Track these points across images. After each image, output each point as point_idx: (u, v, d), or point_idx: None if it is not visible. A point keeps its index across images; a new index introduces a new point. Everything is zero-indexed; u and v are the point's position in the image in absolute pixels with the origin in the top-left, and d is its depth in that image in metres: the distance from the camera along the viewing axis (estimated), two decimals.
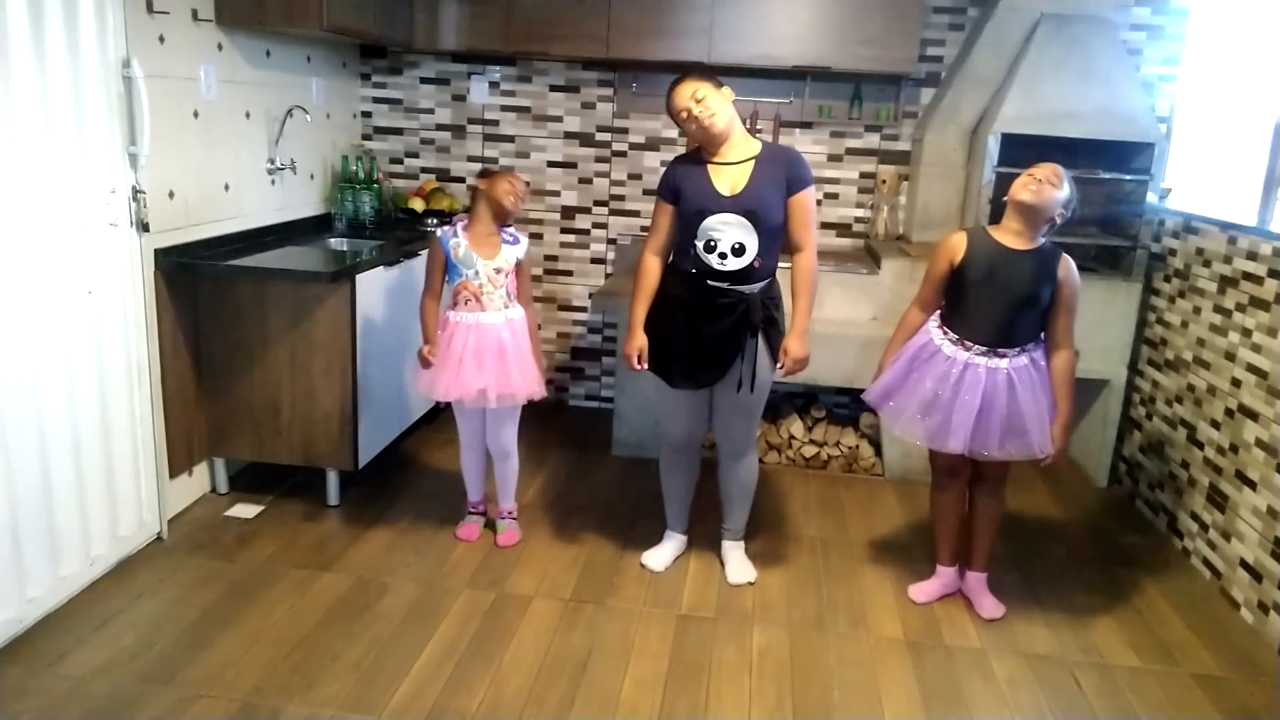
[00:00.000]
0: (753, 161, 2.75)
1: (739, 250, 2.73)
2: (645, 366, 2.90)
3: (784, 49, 3.97)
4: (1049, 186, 2.65)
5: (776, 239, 2.80)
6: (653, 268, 2.89)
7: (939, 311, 2.86)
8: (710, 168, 2.77)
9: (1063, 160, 3.77)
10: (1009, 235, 2.71)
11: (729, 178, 2.75)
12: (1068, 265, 2.71)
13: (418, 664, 2.58)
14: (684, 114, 2.71)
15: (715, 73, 2.80)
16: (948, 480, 2.99)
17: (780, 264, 2.85)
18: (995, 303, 2.70)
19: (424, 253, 3.81)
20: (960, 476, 2.98)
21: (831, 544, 3.43)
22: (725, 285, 2.78)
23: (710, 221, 2.73)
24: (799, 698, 2.53)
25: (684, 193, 2.78)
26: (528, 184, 3.10)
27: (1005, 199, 2.74)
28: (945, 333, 2.79)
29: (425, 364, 3.08)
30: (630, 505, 3.64)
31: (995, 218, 2.84)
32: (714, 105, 2.70)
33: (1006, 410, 2.70)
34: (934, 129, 4.14)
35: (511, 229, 3.09)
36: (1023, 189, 2.66)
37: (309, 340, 3.29)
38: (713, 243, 2.74)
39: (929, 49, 4.25)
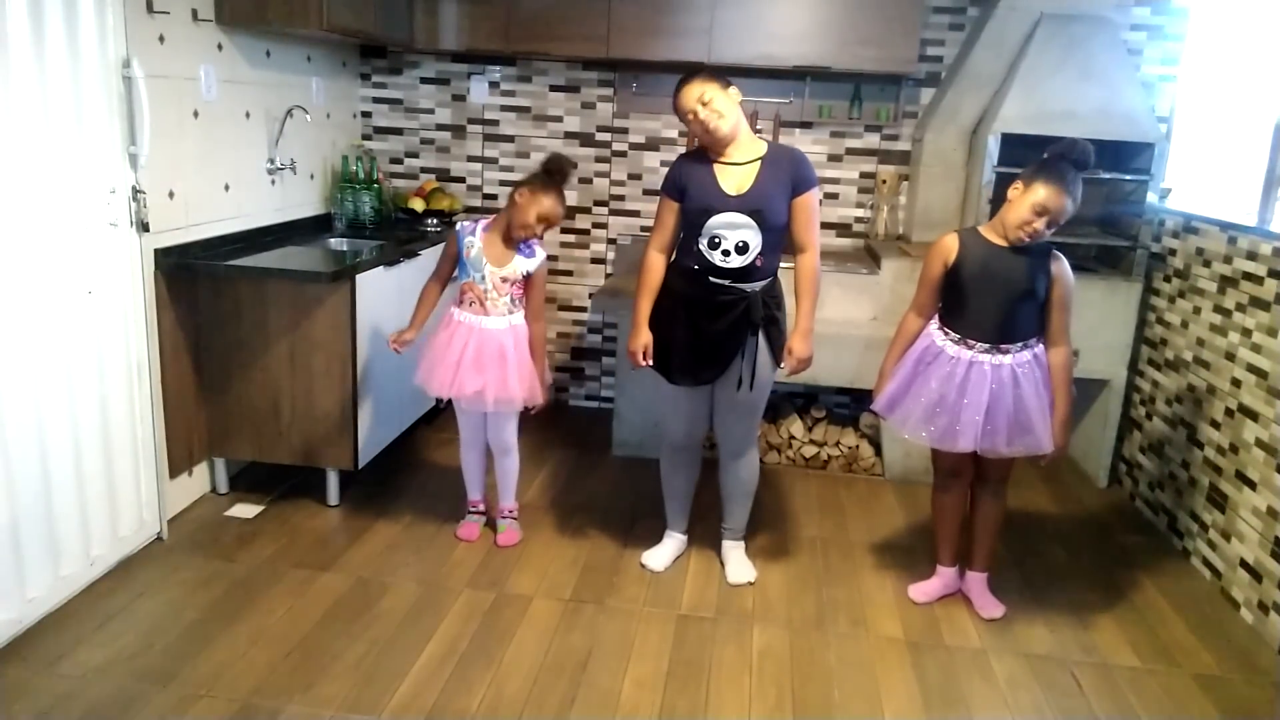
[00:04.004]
0: (759, 162, 2.76)
1: (742, 248, 2.74)
2: (650, 363, 2.91)
3: (784, 49, 3.97)
4: (1046, 225, 2.62)
5: (780, 239, 2.80)
6: (656, 264, 2.89)
7: (938, 313, 2.86)
8: (716, 167, 2.78)
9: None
10: (1001, 236, 2.72)
11: (735, 177, 2.75)
12: (1060, 262, 2.72)
13: (418, 664, 2.58)
14: (690, 115, 2.73)
15: (719, 73, 2.79)
16: (950, 481, 2.99)
17: (782, 264, 2.85)
18: (994, 299, 2.70)
19: (424, 253, 3.82)
20: (963, 477, 2.98)
21: (831, 544, 3.43)
22: (727, 283, 2.78)
23: (715, 220, 2.73)
24: (799, 698, 2.53)
25: (689, 191, 2.78)
26: (567, 213, 3.04)
27: (1012, 201, 2.69)
28: (946, 333, 2.79)
29: (394, 348, 3.08)
30: (630, 505, 3.64)
31: (994, 214, 2.83)
32: (720, 107, 2.70)
33: (1013, 406, 2.71)
34: (934, 129, 4.14)
35: (530, 241, 3.04)
36: (1022, 235, 2.64)
37: (309, 340, 3.29)
38: (717, 239, 2.74)
39: (929, 49, 4.25)
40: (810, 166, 2.80)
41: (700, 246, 2.77)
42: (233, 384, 3.37)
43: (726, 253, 2.75)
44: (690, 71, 2.79)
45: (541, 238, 3.02)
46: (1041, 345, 2.77)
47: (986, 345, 2.72)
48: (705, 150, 2.82)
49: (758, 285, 2.80)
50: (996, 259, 2.70)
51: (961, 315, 2.76)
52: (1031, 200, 2.61)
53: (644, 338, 2.89)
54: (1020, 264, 2.68)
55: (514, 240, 2.99)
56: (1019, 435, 2.73)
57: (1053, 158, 2.65)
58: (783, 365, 2.87)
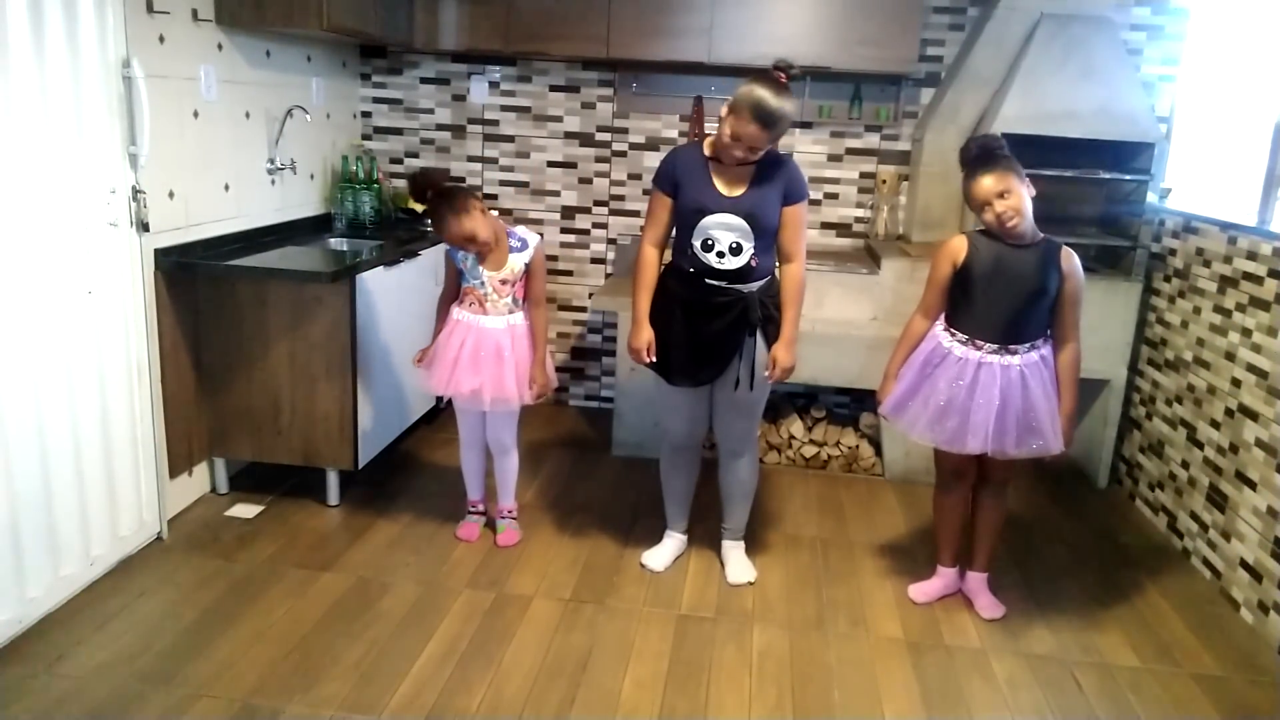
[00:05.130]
0: (754, 165, 2.76)
1: (736, 249, 2.74)
2: (654, 359, 2.90)
3: (784, 49, 3.94)
4: (1015, 199, 2.63)
5: (772, 242, 2.81)
6: (651, 259, 2.90)
7: (943, 315, 2.86)
8: (712, 165, 2.77)
9: (1063, 160, 3.81)
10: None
11: (730, 178, 2.75)
12: (1070, 258, 2.71)
13: (418, 664, 2.58)
14: (739, 136, 2.62)
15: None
16: (954, 483, 2.99)
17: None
18: (1004, 299, 2.70)
19: (424, 252, 3.83)
20: (966, 479, 2.97)
21: (831, 544, 3.43)
22: (723, 284, 2.78)
23: (708, 220, 2.74)
24: (799, 698, 2.53)
25: (684, 188, 2.78)
26: (477, 198, 2.93)
27: (991, 230, 2.72)
28: (953, 334, 2.79)
29: (420, 365, 3.09)
30: (630, 505, 3.64)
31: None
32: (761, 149, 2.67)
33: (1022, 407, 2.71)
34: (934, 129, 4.14)
35: (520, 232, 3.05)
36: (1001, 223, 2.65)
37: (309, 340, 3.29)
38: (710, 241, 2.74)
39: (929, 49, 4.25)
40: (803, 178, 2.81)
41: (694, 249, 2.77)
42: (233, 384, 3.37)
43: (721, 254, 2.75)
44: (776, 79, 2.65)
45: (483, 245, 2.92)
46: (1049, 346, 2.77)
47: (995, 346, 2.72)
48: (701, 146, 2.81)
49: (754, 285, 2.80)
50: (1008, 258, 2.69)
51: (969, 316, 2.76)
52: (978, 209, 2.69)
53: (646, 334, 2.89)
54: (1031, 262, 2.68)
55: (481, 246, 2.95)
56: (1027, 436, 2.73)
57: (967, 168, 2.72)
58: (766, 374, 2.86)
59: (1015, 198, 2.63)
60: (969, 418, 2.72)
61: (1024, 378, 2.71)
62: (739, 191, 2.74)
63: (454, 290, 3.08)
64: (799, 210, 2.80)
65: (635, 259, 2.93)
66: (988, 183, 2.65)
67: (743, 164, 2.72)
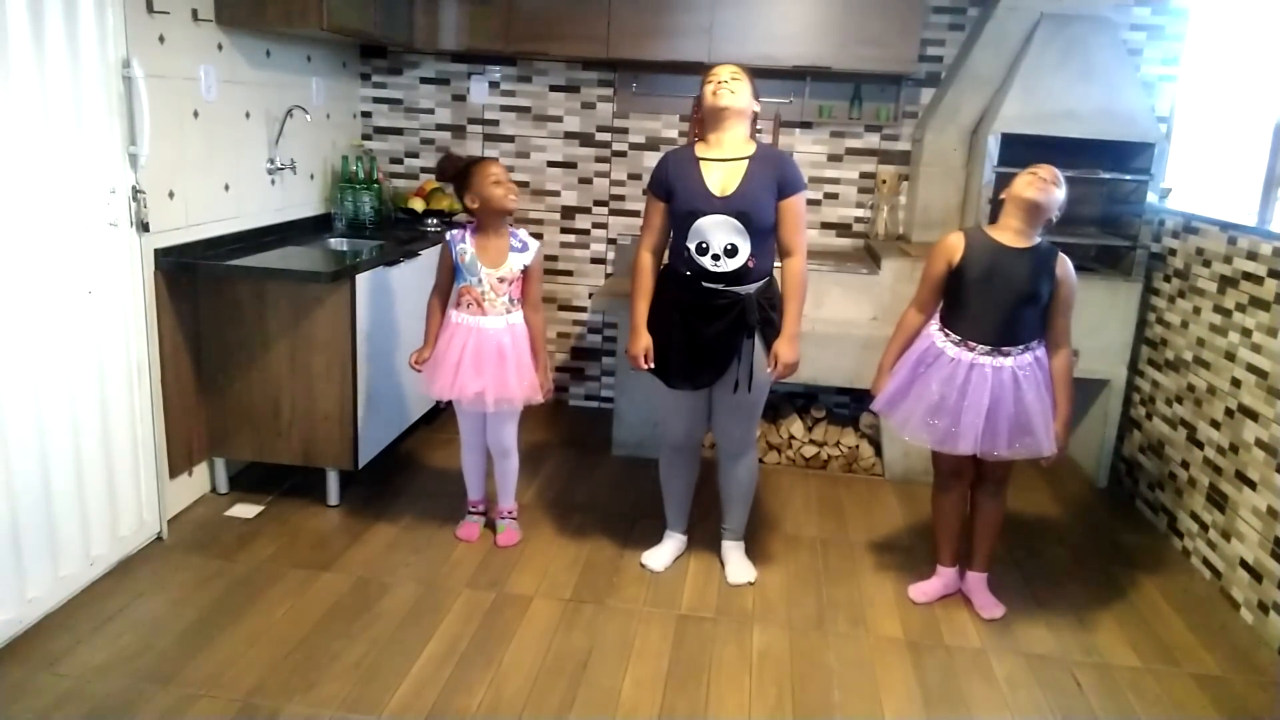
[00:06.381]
0: (746, 161, 2.75)
1: (731, 251, 2.74)
2: (651, 366, 2.90)
3: (784, 49, 3.98)
4: (1053, 186, 2.68)
5: (769, 240, 2.80)
6: (648, 266, 2.90)
7: (939, 314, 2.86)
8: (703, 164, 2.77)
9: (1063, 160, 3.78)
10: (1007, 234, 2.72)
11: (721, 176, 2.75)
12: (1065, 264, 2.72)
13: (418, 664, 2.58)
14: (712, 81, 2.75)
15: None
16: (951, 482, 2.99)
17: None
18: (997, 301, 2.70)
19: (424, 253, 3.83)
20: (963, 478, 2.97)
21: (831, 544, 3.43)
22: (720, 286, 2.78)
23: (702, 223, 2.73)
24: (799, 698, 2.53)
25: (676, 191, 2.78)
26: (508, 170, 3.06)
27: (1004, 195, 2.75)
28: (947, 335, 2.79)
29: (416, 368, 3.10)
30: (630, 505, 3.64)
31: (995, 218, 2.85)
32: (739, 89, 2.74)
33: (1014, 409, 2.71)
34: (934, 129, 4.14)
35: (522, 235, 3.07)
36: (1029, 187, 2.68)
37: (309, 340, 3.29)
38: (704, 245, 2.74)
39: (929, 49, 4.25)
40: (798, 170, 2.80)
41: (690, 252, 2.77)
42: (233, 384, 3.37)
43: (716, 257, 2.74)
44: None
45: (513, 195, 3.01)
46: (1043, 348, 2.77)
47: (987, 348, 2.72)
48: (693, 148, 2.82)
49: (752, 287, 2.80)
50: (1002, 258, 2.70)
51: (963, 316, 2.76)
52: (1018, 175, 2.75)
53: (644, 341, 2.89)
54: (1025, 265, 2.69)
55: (506, 215, 3.00)
56: (1019, 437, 2.73)
57: None
58: (768, 371, 2.86)
59: (1052, 187, 2.68)
60: (959, 418, 2.72)
61: (1016, 380, 2.71)
62: (731, 190, 2.73)
63: (446, 286, 3.09)
64: (795, 203, 2.78)
65: (632, 265, 2.93)
66: (1047, 169, 2.71)
67: (725, 114, 2.73)
